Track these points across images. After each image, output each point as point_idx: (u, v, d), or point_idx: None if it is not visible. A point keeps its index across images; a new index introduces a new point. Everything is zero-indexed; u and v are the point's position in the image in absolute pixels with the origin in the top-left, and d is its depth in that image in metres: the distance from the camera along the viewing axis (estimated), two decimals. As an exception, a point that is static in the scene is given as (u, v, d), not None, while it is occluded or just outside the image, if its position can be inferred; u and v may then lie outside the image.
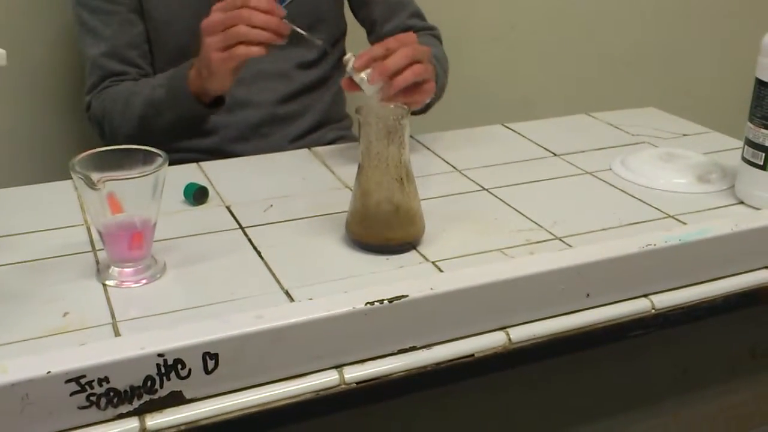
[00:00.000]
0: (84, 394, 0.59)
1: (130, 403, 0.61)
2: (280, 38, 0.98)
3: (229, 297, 0.72)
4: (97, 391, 0.59)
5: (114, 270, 0.75)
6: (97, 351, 0.60)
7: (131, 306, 0.71)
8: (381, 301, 0.67)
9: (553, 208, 0.90)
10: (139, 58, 1.18)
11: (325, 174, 1.01)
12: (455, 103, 1.32)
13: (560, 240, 0.83)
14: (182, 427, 0.62)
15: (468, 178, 1.00)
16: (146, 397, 0.61)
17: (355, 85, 0.96)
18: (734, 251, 0.82)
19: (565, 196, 0.95)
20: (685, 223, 0.87)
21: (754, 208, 0.90)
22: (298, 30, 1.01)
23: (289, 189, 0.96)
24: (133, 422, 0.61)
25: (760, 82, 0.87)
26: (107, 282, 0.75)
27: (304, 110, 1.25)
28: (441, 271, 0.78)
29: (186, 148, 1.17)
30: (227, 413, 0.63)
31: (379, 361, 0.68)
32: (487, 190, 0.96)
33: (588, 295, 0.75)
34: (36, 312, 0.70)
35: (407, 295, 0.68)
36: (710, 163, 1.00)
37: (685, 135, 1.15)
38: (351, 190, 0.82)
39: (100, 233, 0.75)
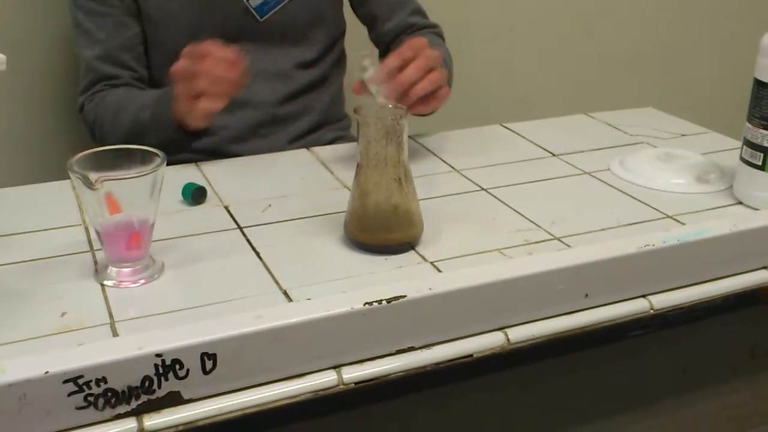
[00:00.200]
0: (82, 395, 0.59)
1: (128, 403, 0.60)
2: (241, 88, 0.98)
3: (227, 297, 0.72)
4: (95, 391, 0.59)
5: (112, 270, 0.75)
6: (95, 351, 0.60)
7: (129, 306, 0.71)
8: (379, 302, 0.67)
9: (551, 208, 0.90)
10: (132, 60, 1.18)
11: (323, 174, 1.01)
12: (454, 103, 1.32)
13: (559, 240, 0.83)
14: (180, 428, 0.62)
15: (466, 178, 0.99)
16: (144, 398, 0.61)
17: (365, 90, 0.96)
18: (733, 251, 0.82)
19: (563, 197, 0.95)
20: (683, 224, 0.87)
21: (753, 208, 0.90)
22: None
23: (288, 189, 0.96)
24: (131, 423, 0.61)
25: (758, 83, 0.87)
26: (105, 282, 0.75)
27: (303, 110, 1.25)
28: (439, 271, 0.78)
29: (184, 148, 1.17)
30: (225, 413, 0.63)
31: (377, 361, 0.68)
32: (485, 190, 0.96)
33: (586, 295, 0.75)
34: (34, 312, 0.70)
35: (406, 296, 0.67)
36: (709, 164, 1.00)
37: (683, 135, 1.15)
38: (350, 190, 0.82)
39: (98, 233, 0.75)
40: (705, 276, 0.81)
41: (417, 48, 0.96)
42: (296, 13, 1.20)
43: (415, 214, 0.81)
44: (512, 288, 0.72)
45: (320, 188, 0.97)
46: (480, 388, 0.76)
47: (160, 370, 0.61)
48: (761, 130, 0.87)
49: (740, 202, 0.92)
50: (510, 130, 1.17)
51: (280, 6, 1.18)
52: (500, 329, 0.72)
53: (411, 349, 0.69)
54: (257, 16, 1.18)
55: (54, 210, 0.89)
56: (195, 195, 0.91)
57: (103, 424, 0.60)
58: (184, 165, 1.03)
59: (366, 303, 0.66)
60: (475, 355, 0.71)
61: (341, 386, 0.66)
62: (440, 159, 1.06)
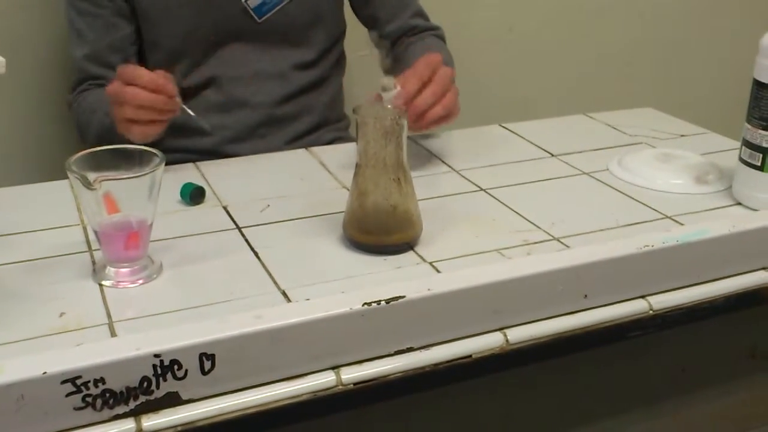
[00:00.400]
0: (80, 395, 0.59)
1: (126, 404, 0.60)
2: (170, 115, 0.97)
3: (226, 298, 0.72)
4: (93, 391, 0.59)
5: (110, 270, 0.75)
6: (93, 351, 0.60)
7: (127, 306, 0.71)
8: (378, 302, 0.66)
9: (550, 208, 0.90)
10: (121, 62, 1.17)
11: (322, 174, 1.01)
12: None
13: (558, 241, 0.83)
14: (179, 428, 0.62)
15: (465, 178, 0.99)
16: (142, 398, 0.61)
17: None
18: (732, 252, 0.81)
19: (562, 197, 0.95)
20: (682, 224, 0.87)
21: (752, 209, 0.90)
22: (189, 111, 1.00)
23: (287, 189, 0.96)
24: (129, 423, 0.61)
25: (758, 84, 0.87)
26: (103, 282, 0.74)
27: (302, 111, 1.25)
28: (438, 271, 0.77)
29: (183, 148, 1.17)
30: (224, 414, 0.63)
31: (376, 361, 0.68)
32: (484, 190, 0.96)
33: (586, 296, 0.75)
34: (32, 312, 0.70)
35: (404, 296, 0.67)
36: (708, 164, 1.00)
37: (682, 136, 1.15)
38: (348, 190, 0.82)
39: (96, 233, 0.75)
40: (704, 277, 0.81)
41: (433, 66, 0.97)
42: (295, 14, 1.20)
43: (414, 214, 0.81)
44: (511, 288, 0.72)
45: (319, 188, 0.97)
46: (479, 389, 0.76)
47: (159, 371, 0.60)
48: (760, 131, 0.87)
49: (739, 203, 0.92)
50: (509, 130, 1.17)
51: (278, 7, 1.18)
52: (499, 330, 0.72)
53: (410, 349, 0.69)
54: (255, 17, 1.18)
55: (52, 210, 0.89)
56: (193, 195, 0.91)
57: (101, 425, 0.60)
58: (183, 165, 1.03)
59: (365, 303, 0.66)
60: (474, 356, 0.71)
61: (340, 387, 0.66)
62: (439, 159, 1.06)
